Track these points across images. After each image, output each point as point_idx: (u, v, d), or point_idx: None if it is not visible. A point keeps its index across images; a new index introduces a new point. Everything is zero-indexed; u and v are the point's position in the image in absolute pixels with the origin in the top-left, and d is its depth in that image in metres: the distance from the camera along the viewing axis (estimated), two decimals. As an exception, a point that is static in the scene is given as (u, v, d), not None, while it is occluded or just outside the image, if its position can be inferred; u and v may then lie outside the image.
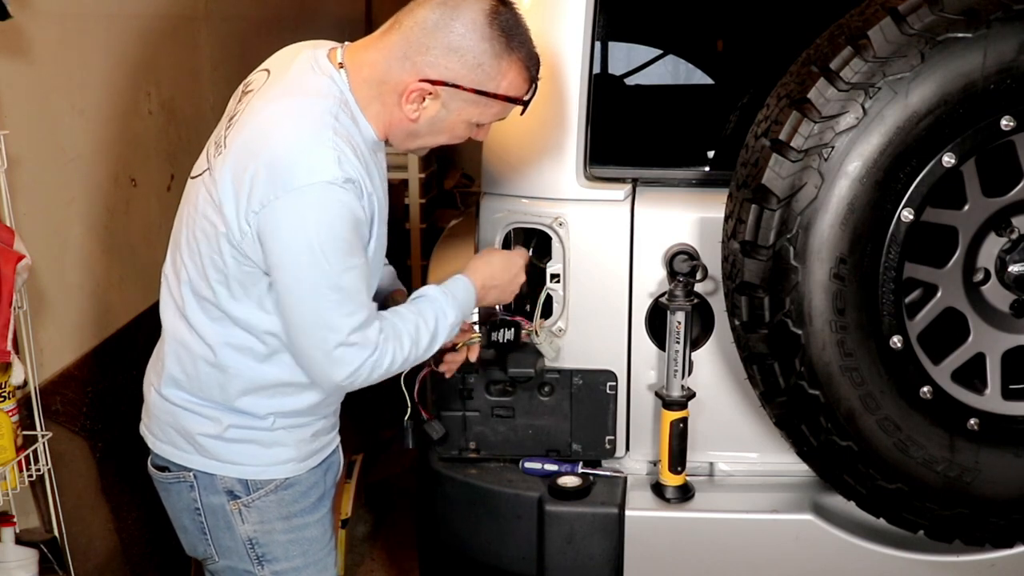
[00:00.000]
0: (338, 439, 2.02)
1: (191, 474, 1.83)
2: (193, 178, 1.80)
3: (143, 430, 1.93)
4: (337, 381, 1.72)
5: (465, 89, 1.71)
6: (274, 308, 1.72)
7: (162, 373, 1.84)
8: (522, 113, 1.81)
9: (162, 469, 1.88)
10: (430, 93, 1.71)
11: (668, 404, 2.16)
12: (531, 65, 1.76)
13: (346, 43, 1.81)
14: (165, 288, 1.85)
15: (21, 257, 2.10)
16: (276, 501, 1.85)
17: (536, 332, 2.17)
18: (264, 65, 1.85)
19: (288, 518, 1.87)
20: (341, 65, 1.75)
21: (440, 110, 1.74)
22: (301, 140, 1.64)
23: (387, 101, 1.74)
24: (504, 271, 1.99)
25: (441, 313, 1.83)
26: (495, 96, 1.74)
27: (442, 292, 1.87)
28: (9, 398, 2.18)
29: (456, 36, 1.68)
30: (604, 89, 2.46)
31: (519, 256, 2.05)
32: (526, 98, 1.79)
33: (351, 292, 1.67)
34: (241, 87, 1.85)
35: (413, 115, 1.74)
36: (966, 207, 1.89)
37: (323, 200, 1.62)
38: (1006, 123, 1.79)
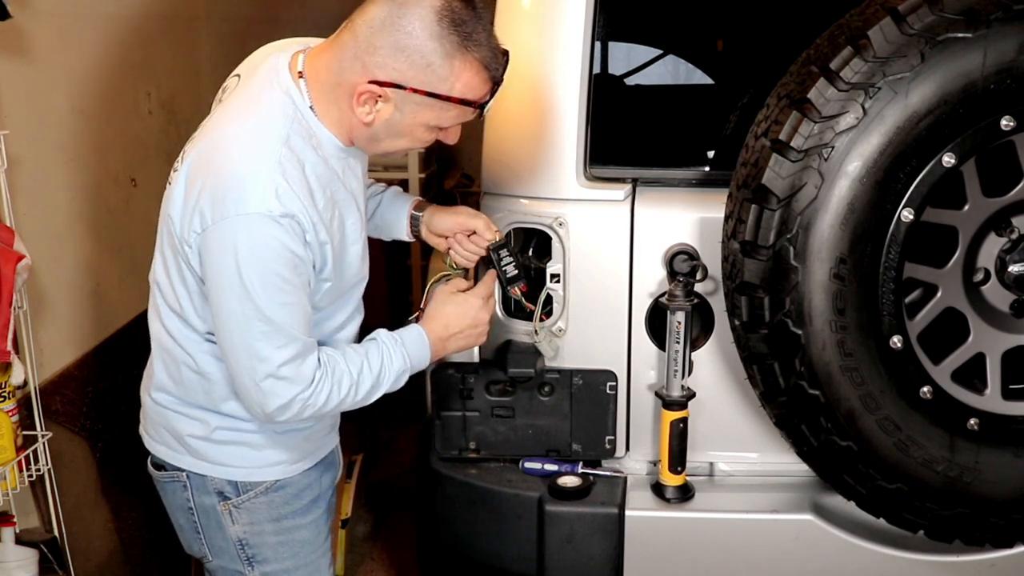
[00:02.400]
0: (337, 439, 2.01)
1: (184, 474, 1.84)
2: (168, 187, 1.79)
3: (141, 431, 1.94)
4: (267, 412, 1.67)
5: (415, 91, 1.61)
6: None
7: (152, 377, 1.85)
8: (479, 116, 1.69)
9: (159, 468, 1.89)
10: (380, 96, 1.62)
11: (668, 404, 2.16)
12: (491, 65, 1.63)
13: (309, 47, 1.75)
14: (150, 295, 1.84)
15: (21, 257, 2.10)
16: (266, 503, 1.84)
17: (536, 332, 2.17)
18: (238, 68, 1.82)
19: (278, 520, 1.86)
20: (301, 74, 1.68)
21: (394, 113, 1.64)
22: (242, 169, 1.59)
23: (342, 105, 1.66)
24: (460, 318, 1.88)
25: (387, 358, 1.77)
26: (448, 99, 1.62)
27: (392, 338, 1.81)
28: (9, 398, 2.18)
29: (403, 35, 1.58)
30: (604, 89, 2.46)
31: (476, 296, 1.91)
32: (484, 101, 1.66)
33: (283, 326, 1.62)
34: (221, 91, 1.83)
35: (367, 118, 1.65)
36: (966, 207, 1.89)
37: (255, 232, 1.57)
38: (1006, 123, 1.79)
